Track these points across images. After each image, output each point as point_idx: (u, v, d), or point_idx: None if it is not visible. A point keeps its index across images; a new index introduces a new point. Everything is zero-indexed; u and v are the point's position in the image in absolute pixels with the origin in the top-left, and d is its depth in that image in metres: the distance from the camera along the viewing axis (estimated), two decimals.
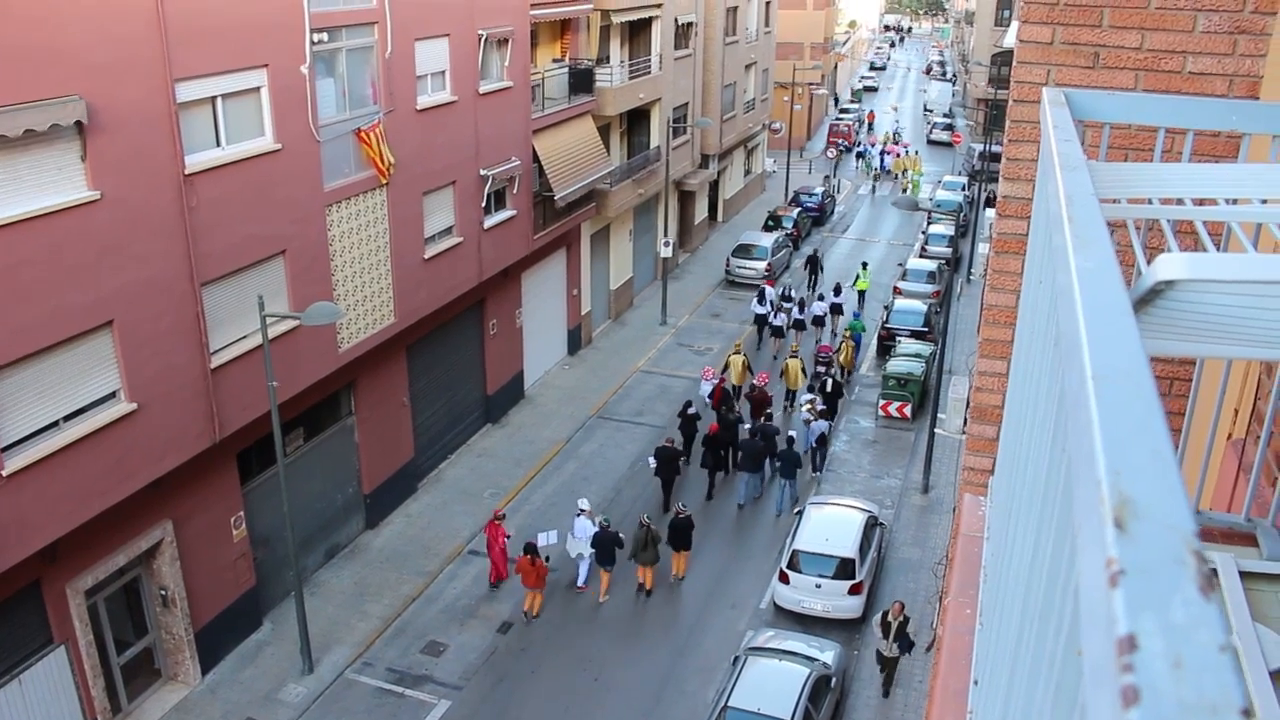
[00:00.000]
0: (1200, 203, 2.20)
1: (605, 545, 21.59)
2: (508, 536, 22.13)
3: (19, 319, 14.19)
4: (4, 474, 14.22)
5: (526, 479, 26.55)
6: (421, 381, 25.61)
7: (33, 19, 13.79)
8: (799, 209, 49.45)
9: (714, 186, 48.46)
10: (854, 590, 20.77)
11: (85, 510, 15.59)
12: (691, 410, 27.32)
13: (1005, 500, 2.58)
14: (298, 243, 19.42)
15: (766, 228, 46.34)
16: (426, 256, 23.52)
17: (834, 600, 20.80)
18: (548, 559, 21.25)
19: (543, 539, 21.30)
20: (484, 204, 25.60)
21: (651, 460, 25.25)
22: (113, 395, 16.03)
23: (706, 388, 29.32)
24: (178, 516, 18.35)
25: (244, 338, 18.28)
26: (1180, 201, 2.15)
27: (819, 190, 52.79)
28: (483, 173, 25.25)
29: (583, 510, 22.18)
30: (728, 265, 41.84)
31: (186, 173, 16.58)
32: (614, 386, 31.99)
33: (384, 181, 21.59)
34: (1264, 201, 2.18)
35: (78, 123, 14.60)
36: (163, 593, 18.48)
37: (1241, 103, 2.65)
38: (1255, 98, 4.09)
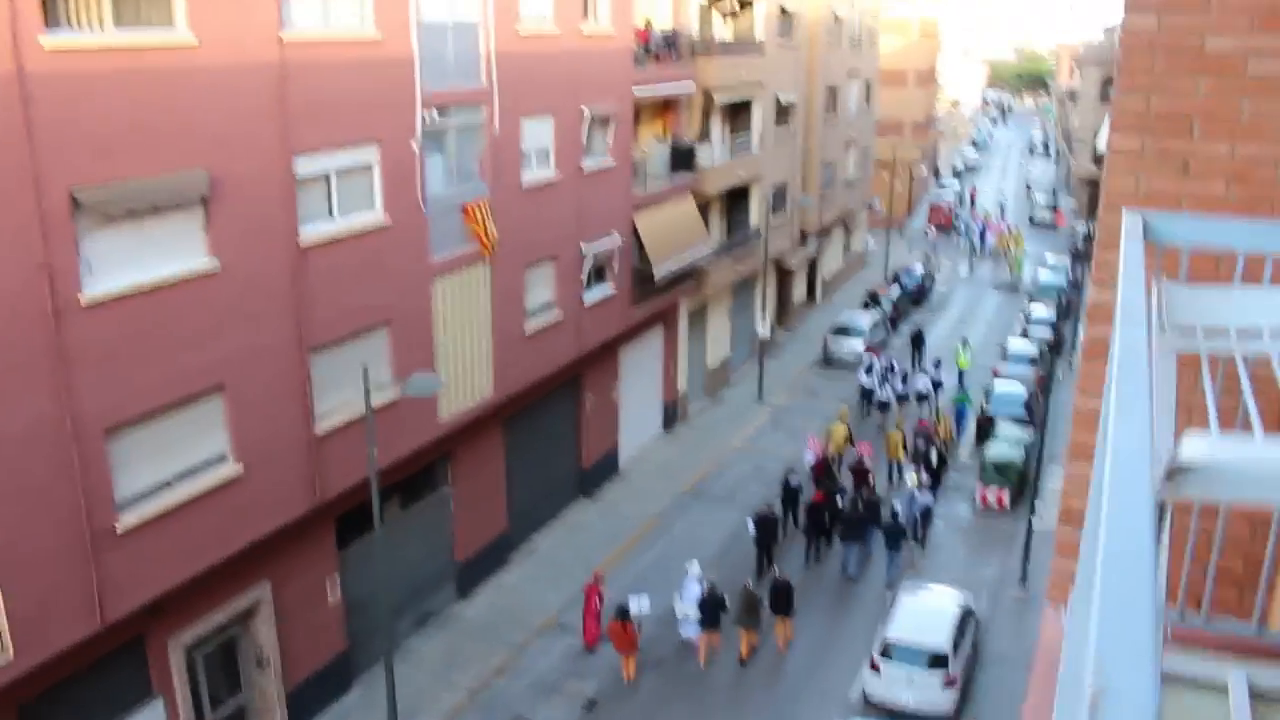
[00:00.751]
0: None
1: (710, 607, 21.74)
2: (601, 599, 22.27)
3: (139, 380, 14.77)
4: (118, 530, 14.73)
5: (618, 553, 26.57)
6: (517, 454, 25.90)
7: (164, 96, 14.53)
8: (898, 288, 49.24)
9: (813, 265, 48.52)
10: (947, 684, 20.23)
11: (190, 567, 16.04)
12: (794, 479, 27.57)
13: (1076, 620, 2.59)
14: (402, 313, 19.93)
15: (865, 307, 46.18)
16: (527, 331, 23.93)
17: (926, 694, 20.24)
18: (639, 624, 21.33)
19: (634, 603, 21.43)
20: (584, 279, 26.01)
21: (750, 525, 25.48)
22: (221, 457, 16.54)
23: (810, 457, 29.46)
24: (276, 577, 18.75)
25: (347, 405, 18.73)
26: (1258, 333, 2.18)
27: (919, 269, 52.54)
28: (583, 249, 25.70)
29: (693, 573, 22.41)
30: (825, 344, 41.72)
31: (301, 244, 17.20)
32: (708, 464, 31.96)
33: (487, 256, 22.09)
34: None
35: (201, 195, 15.29)
36: (258, 654, 18.84)
37: None
38: None
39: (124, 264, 14.50)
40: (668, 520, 28.50)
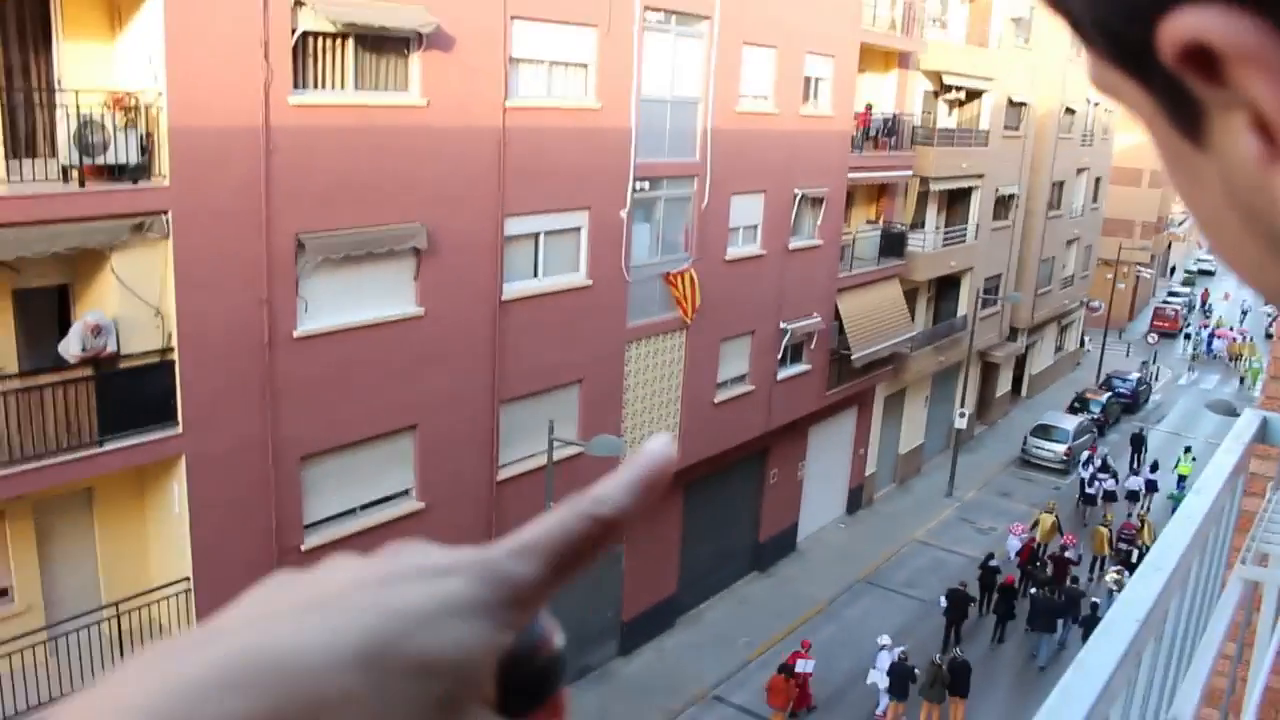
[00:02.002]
0: None
1: (900, 677, 22.10)
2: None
3: (341, 412, 15.75)
4: (303, 549, 15.65)
5: (784, 633, 26.29)
6: (695, 520, 26.06)
7: (391, 153, 15.58)
8: (1110, 393, 47.17)
9: (1020, 360, 47.09)
10: None
11: None
12: (993, 563, 27.41)
13: None
14: (595, 374, 20.51)
15: (1072, 409, 44.42)
16: (716, 401, 24.19)
17: None
18: (800, 683, 21.94)
19: (801, 664, 22.06)
20: (780, 356, 26.11)
21: (943, 600, 25.67)
22: (406, 492, 17.38)
23: (1015, 544, 29.42)
24: None
25: (530, 456, 19.35)
26: None
27: (1134, 376, 50.24)
28: (782, 326, 25.82)
29: (884, 645, 22.84)
30: (1025, 444, 40.33)
31: (503, 299, 18.00)
32: (888, 553, 31.34)
33: (685, 325, 22.50)
34: None
35: (415, 246, 16.25)
36: None
37: None
38: None
39: (338, 304, 15.54)
40: (839, 605, 28.06)
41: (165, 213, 13.36)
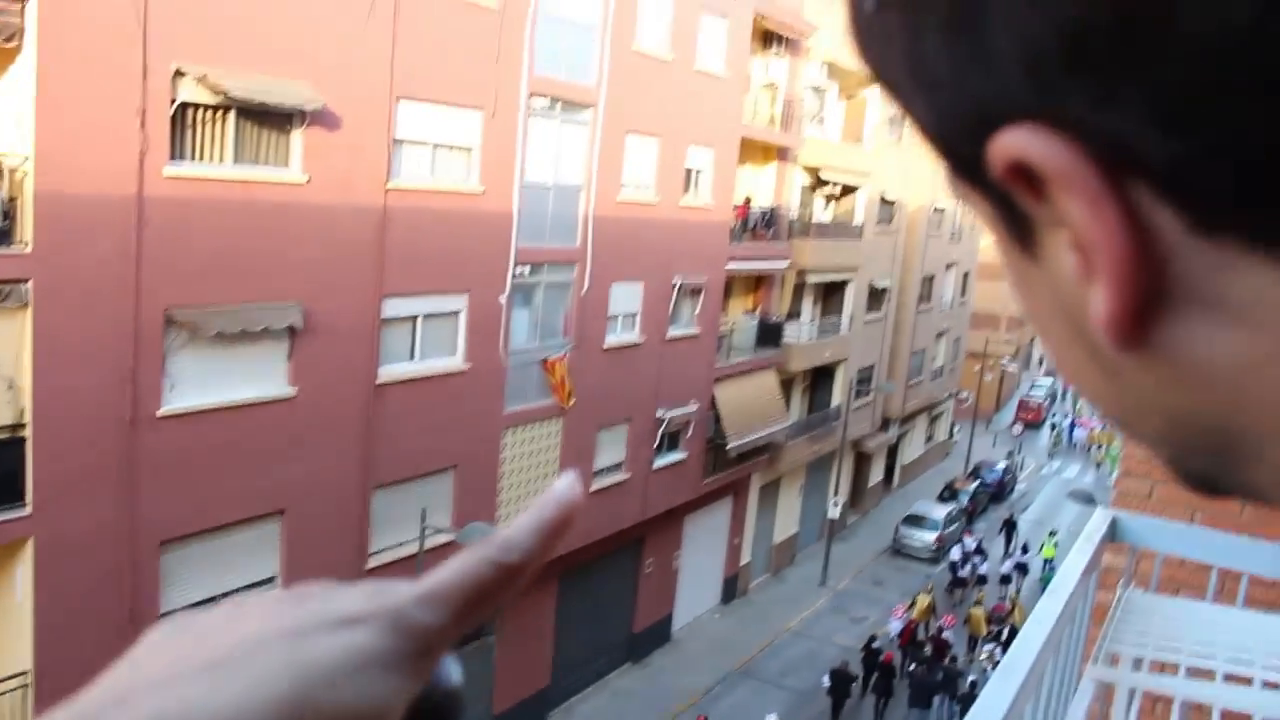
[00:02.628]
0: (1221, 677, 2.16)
1: None
2: None
3: (206, 495, 15.11)
4: None
5: None
6: (569, 610, 25.65)
7: (268, 229, 15.21)
8: (978, 482, 48.35)
9: (892, 450, 48.03)
10: None
11: None
12: (876, 644, 28.05)
13: None
14: (470, 460, 20.15)
15: (942, 498, 45.37)
16: (592, 489, 23.97)
17: None
18: None
19: None
20: (656, 444, 26.08)
21: (826, 679, 26.44)
22: (269, 580, 16.69)
23: (897, 626, 30.18)
24: None
25: (401, 544, 18.83)
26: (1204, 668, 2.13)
27: (1001, 465, 51.67)
28: (659, 414, 25.84)
29: None
30: (897, 533, 40.94)
31: (379, 381, 17.62)
32: (762, 643, 31.27)
33: (563, 411, 22.33)
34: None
35: (290, 325, 15.81)
36: None
37: None
38: None
39: (206, 383, 14.99)
40: (713, 697, 27.79)
41: (26, 281, 12.77)
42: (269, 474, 16.02)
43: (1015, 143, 0.40)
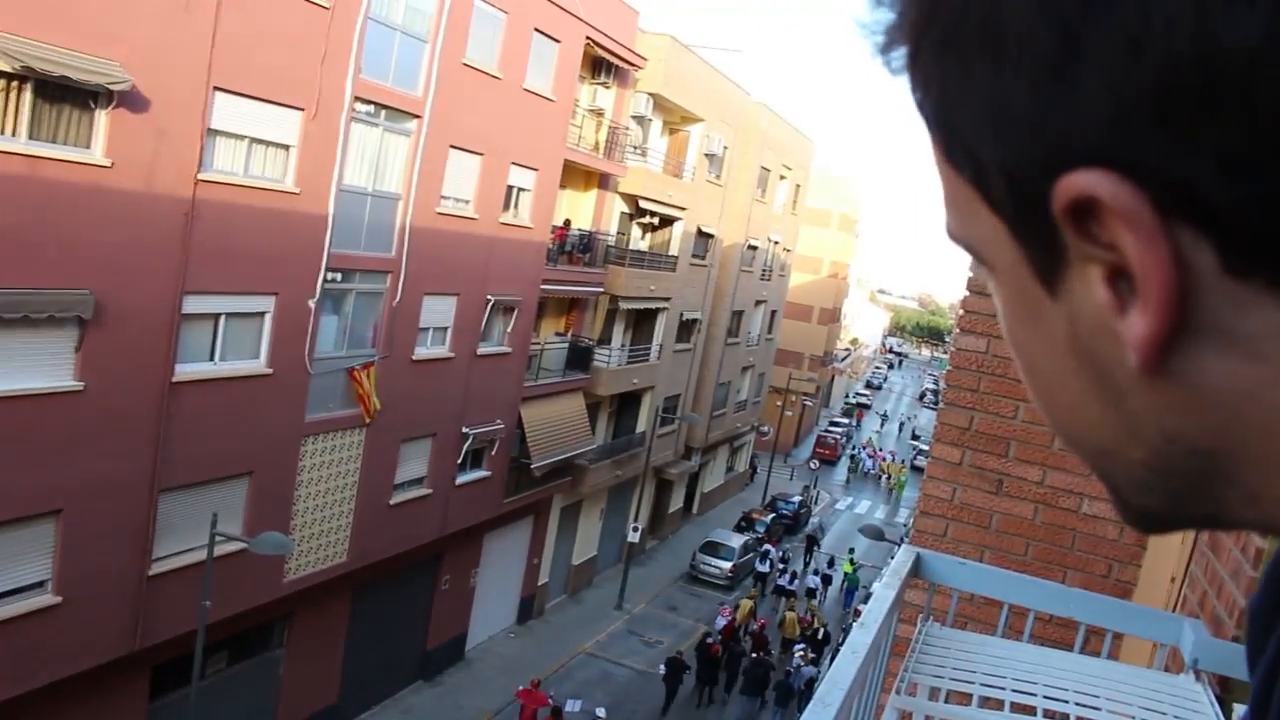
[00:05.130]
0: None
1: None
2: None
3: None
4: None
5: None
6: (361, 625, 25.05)
7: (63, 212, 14.41)
8: (774, 514, 49.63)
9: (694, 478, 48.85)
10: None
11: None
12: (710, 639, 31.15)
13: None
14: (266, 467, 19.50)
15: (739, 528, 46.35)
16: (392, 502, 23.54)
17: None
18: None
19: (570, 704, 25.64)
20: (460, 460, 25.81)
21: (662, 667, 29.61)
22: (40, 585, 15.73)
23: (721, 623, 33.54)
24: None
25: (189, 550, 18.06)
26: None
27: (797, 498, 53.18)
28: (465, 430, 25.59)
29: (600, 715, 25.77)
30: (694, 560, 41.61)
31: (173, 380, 16.88)
32: (556, 664, 31.20)
33: (366, 423, 21.88)
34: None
35: (79, 315, 15.00)
36: None
37: (1078, 592, 2.83)
38: (1143, 547, 4.28)
39: None
40: (504, 716, 27.57)
41: None
42: (47, 471, 15.11)
43: (1087, 182, 0.44)
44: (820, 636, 35.10)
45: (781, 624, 35.89)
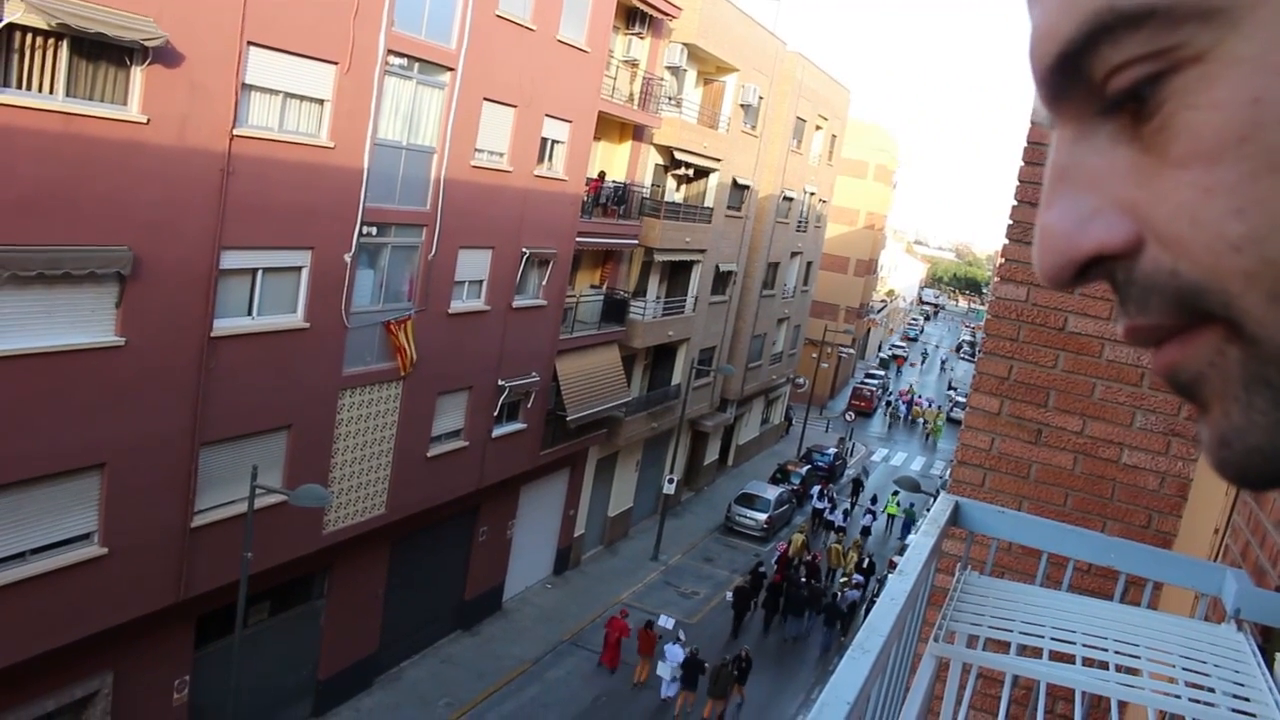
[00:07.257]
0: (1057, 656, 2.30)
1: (692, 670, 26.05)
2: (624, 632, 27.57)
3: (17, 446, 14.35)
4: None
5: (486, 693, 25.89)
6: (400, 576, 25.38)
7: (103, 169, 14.51)
8: (809, 466, 49.67)
9: (729, 430, 48.89)
10: None
11: (31, 646, 15.34)
12: (762, 568, 34.57)
13: None
14: (305, 421, 19.69)
15: (774, 480, 46.46)
16: (429, 455, 23.73)
17: None
18: (660, 635, 27.55)
19: (663, 620, 28.26)
20: (496, 413, 25.95)
21: (729, 595, 32.77)
22: (86, 537, 16.01)
23: (776, 554, 37.06)
24: (121, 669, 17.95)
25: (230, 503, 18.31)
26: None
27: (832, 450, 53.14)
28: (501, 383, 25.71)
29: (670, 627, 28.20)
30: (729, 512, 41.77)
31: (212, 335, 17.04)
32: (593, 615, 31.50)
33: (403, 376, 22.01)
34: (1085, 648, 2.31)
35: (119, 271, 15.14)
36: None
37: (1119, 541, 2.80)
38: (1184, 498, 4.24)
39: (24, 326, 14.24)
40: (542, 667, 27.91)
41: None
42: (92, 425, 15.34)
43: None
44: (866, 566, 37.68)
45: (828, 554, 39.27)
